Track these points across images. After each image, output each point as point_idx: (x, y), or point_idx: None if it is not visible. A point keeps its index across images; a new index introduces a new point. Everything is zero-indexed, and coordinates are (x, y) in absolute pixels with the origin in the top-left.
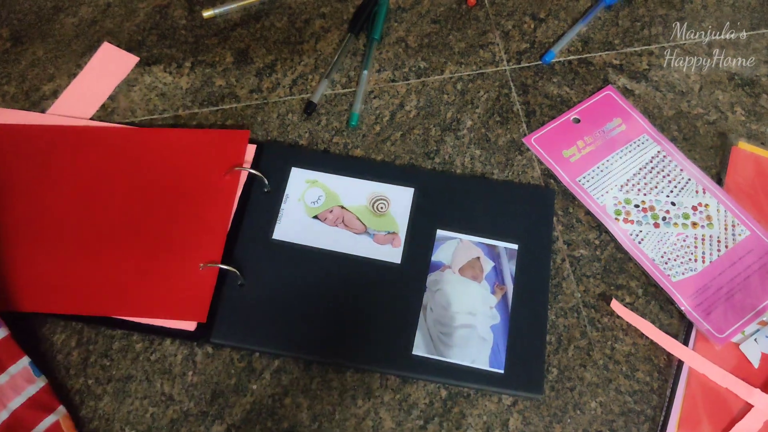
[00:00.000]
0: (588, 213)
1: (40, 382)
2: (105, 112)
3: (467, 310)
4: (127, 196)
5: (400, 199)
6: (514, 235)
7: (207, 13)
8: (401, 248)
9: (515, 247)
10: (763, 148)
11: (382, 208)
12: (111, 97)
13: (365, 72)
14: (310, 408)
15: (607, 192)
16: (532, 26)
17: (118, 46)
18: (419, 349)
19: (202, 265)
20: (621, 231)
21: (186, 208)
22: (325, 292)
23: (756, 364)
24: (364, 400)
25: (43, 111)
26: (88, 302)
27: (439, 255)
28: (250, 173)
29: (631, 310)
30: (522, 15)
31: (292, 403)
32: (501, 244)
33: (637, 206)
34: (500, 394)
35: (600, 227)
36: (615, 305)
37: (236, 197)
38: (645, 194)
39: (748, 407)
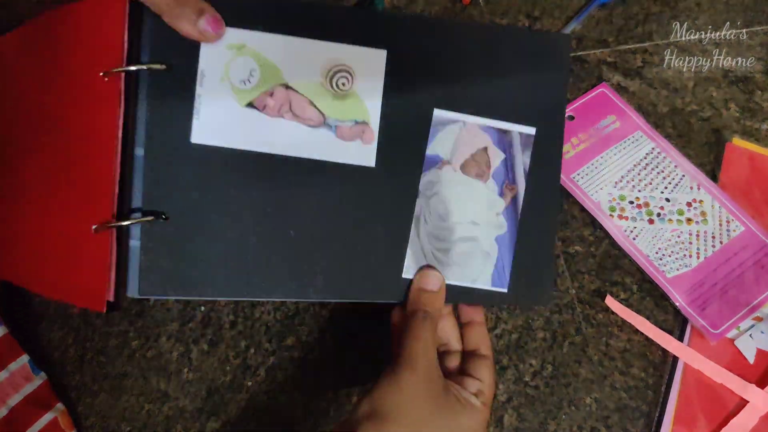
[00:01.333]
0: (582, 209)
1: (39, 380)
2: None
3: (470, 218)
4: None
5: (369, 67)
6: (530, 112)
7: None
8: (374, 144)
9: (532, 131)
10: (757, 144)
11: (343, 84)
12: None
13: None
14: (306, 405)
15: (601, 188)
16: (527, 24)
17: None
18: (411, 272)
19: (94, 227)
20: (615, 227)
21: (59, 142)
22: (278, 212)
23: (751, 359)
24: (359, 396)
25: None
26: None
27: (435, 146)
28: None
29: (626, 306)
30: (516, 13)
31: (287, 400)
32: (515, 128)
33: (631, 203)
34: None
35: (594, 223)
36: (610, 301)
37: (121, 106)
38: (639, 191)
39: (744, 403)
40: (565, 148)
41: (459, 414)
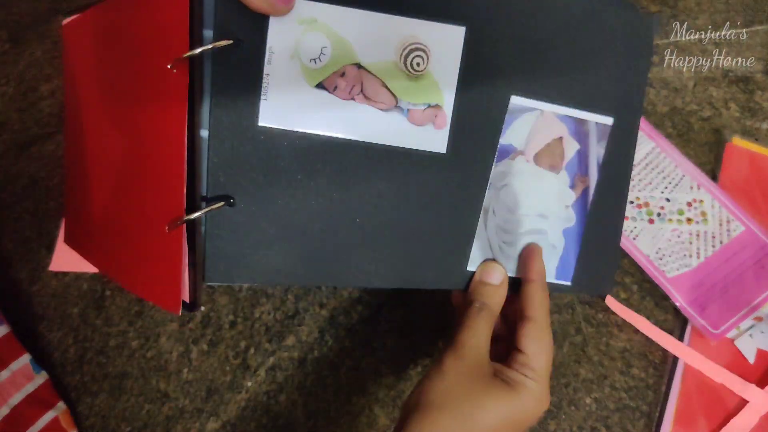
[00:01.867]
0: None
1: (40, 379)
2: None
3: (539, 211)
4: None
5: (445, 46)
6: (609, 101)
7: None
8: (447, 129)
9: (609, 122)
10: (757, 144)
11: (418, 65)
12: None
13: None
14: (305, 405)
15: None
16: None
17: None
18: (476, 265)
19: (167, 227)
20: None
21: (132, 136)
22: (345, 199)
23: (751, 359)
24: (359, 396)
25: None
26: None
27: (510, 136)
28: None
29: (626, 306)
30: None
31: (286, 400)
32: (592, 118)
33: (631, 202)
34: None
35: None
36: (610, 301)
37: (188, 96)
38: (639, 190)
39: (744, 403)
40: None
41: (506, 397)
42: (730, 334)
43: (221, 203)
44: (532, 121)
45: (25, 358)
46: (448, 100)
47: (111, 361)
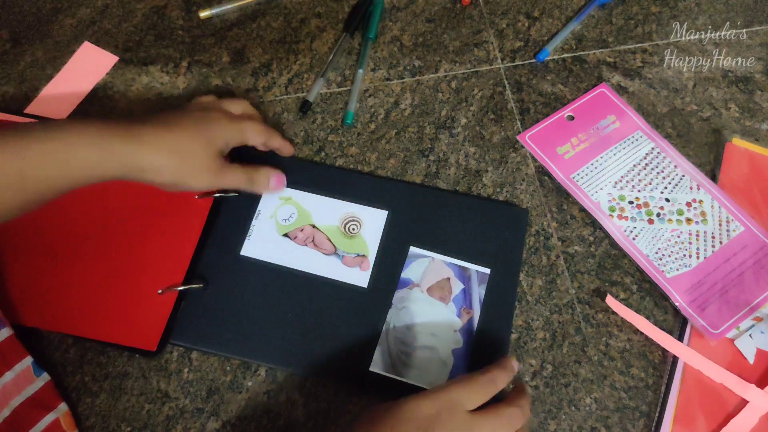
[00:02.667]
0: (582, 210)
1: (41, 381)
2: (103, 110)
3: (430, 331)
4: (96, 211)
5: (373, 221)
6: (487, 258)
7: (204, 14)
8: (369, 271)
9: (487, 271)
10: (757, 144)
11: (353, 229)
12: (109, 97)
13: (360, 71)
14: (305, 405)
15: (601, 189)
16: (526, 25)
17: (115, 46)
18: (377, 366)
19: (161, 291)
20: (615, 227)
21: (153, 231)
22: (290, 306)
23: (751, 359)
24: (359, 397)
25: (19, 112)
26: (44, 316)
27: (408, 272)
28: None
29: (626, 306)
30: (516, 13)
31: (287, 401)
32: (473, 267)
33: (631, 203)
34: None
35: (594, 224)
36: (610, 301)
37: (205, 217)
38: (639, 191)
39: (744, 403)
40: (565, 148)
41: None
42: (730, 334)
43: (201, 286)
44: (426, 264)
45: (28, 361)
46: (372, 252)
47: (111, 361)
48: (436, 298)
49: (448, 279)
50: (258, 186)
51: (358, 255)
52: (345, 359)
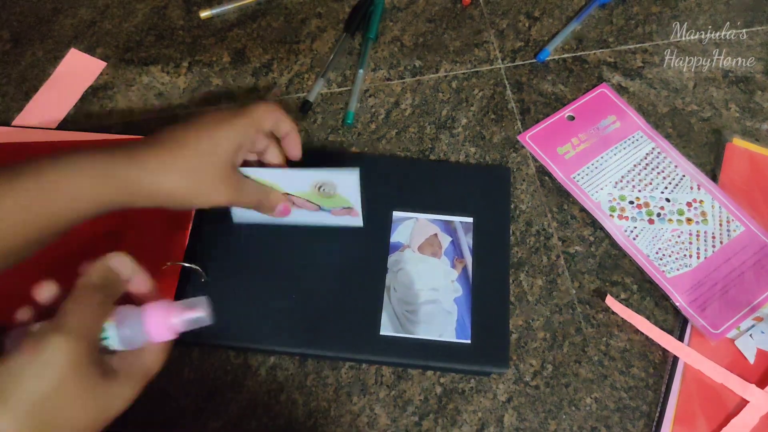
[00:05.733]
0: (582, 210)
1: None
2: (103, 110)
3: (430, 286)
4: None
5: (347, 182)
6: (469, 209)
7: (204, 14)
8: (360, 216)
9: (470, 220)
10: (757, 144)
11: (329, 191)
12: (109, 97)
13: (361, 71)
14: (306, 404)
15: (601, 189)
16: (527, 25)
17: (116, 46)
18: (387, 329)
19: (165, 265)
20: (616, 227)
21: (149, 217)
22: (291, 275)
23: (751, 359)
24: (359, 396)
25: (6, 124)
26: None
27: (397, 236)
28: None
29: (626, 306)
30: (516, 14)
31: (287, 400)
32: (456, 219)
33: (631, 203)
34: (468, 374)
35: (595, 224)
36: (610, 301)
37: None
38: (640, 191)
39: (744, 403)
40: (565, 148)
41: None
42: (730, 334)
43: (200, 269)
44: (411, 225)
45: None
46: (357, 205)
47: None
48: (427, 254)
49: (436, 234)
50: (266, 210)
51: (344, 207)
52: (355, 330)
